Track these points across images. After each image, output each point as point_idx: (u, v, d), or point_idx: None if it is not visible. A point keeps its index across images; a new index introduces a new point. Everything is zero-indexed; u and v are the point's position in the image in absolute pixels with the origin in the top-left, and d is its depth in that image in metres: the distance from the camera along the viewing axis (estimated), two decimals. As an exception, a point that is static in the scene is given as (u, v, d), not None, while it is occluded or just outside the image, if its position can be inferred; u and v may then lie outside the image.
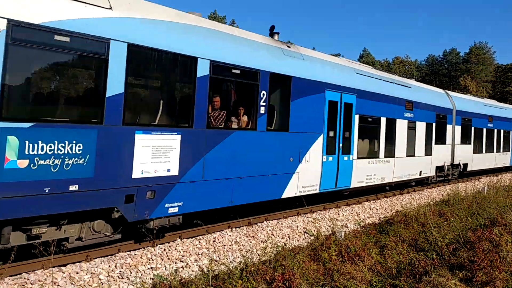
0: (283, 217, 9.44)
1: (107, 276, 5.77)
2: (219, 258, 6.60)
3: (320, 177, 10.86)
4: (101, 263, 6.06)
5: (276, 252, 6.76)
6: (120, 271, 5.93)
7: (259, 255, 6.74)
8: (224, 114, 7.84)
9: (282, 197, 10.07)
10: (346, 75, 12.22)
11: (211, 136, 7.42)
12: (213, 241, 7.26)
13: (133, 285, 5.65)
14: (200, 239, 7.22)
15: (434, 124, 15.41)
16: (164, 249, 6.64)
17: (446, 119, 16.25)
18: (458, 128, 17.17)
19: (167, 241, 7.04)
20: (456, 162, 16.96)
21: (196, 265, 6.30)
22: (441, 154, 15.94)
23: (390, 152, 13.72)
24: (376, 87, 13.29)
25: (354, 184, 12.22)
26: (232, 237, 7.52)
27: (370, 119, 12.99)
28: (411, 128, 14.45)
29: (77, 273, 5.70)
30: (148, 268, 6.08)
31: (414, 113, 14.60)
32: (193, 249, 6.82)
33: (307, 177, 10.50)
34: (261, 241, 7.66)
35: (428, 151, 15.26)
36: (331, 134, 11.36)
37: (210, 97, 7.47)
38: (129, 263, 6.11)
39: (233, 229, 7.97)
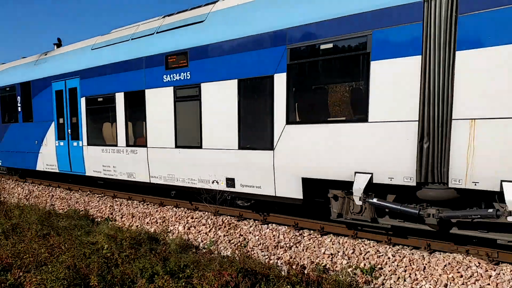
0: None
1: None
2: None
3: (56, 159, 14.35)
4: None
5: None
6: None
7: None
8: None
9: (36, 168, 15.31)
10: (70, 60, 13.19)
11: (4, 126, 15.59)
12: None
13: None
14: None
15: (281, 77, 8.03)
16: None
17: None
18: None
19: None
20: None
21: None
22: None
23: (134, 138, 11.59)
24: (111, 55, 11.93)
25: (90, 172, 13.00)
26: None
27: (98, 100, 12.32)
28: (187, 99, 9.84)
29: None
30: None
31: (192, 70, 9.61)
32: None
33: (47, 157, 14.66)
34: None
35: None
36: (61, 121, 13.28)
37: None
38: None
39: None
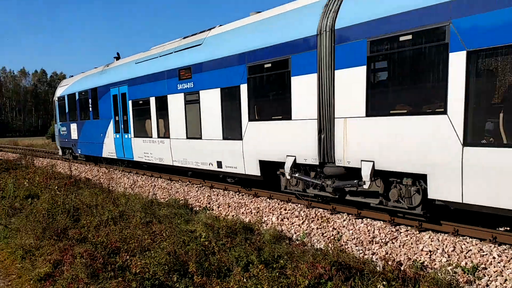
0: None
1: None
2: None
3: (114, 147, 18.67)
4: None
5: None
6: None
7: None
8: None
9: (102, 156, 19.87)
10: (122, 71, 17.05)
11: (81, 122, 18.96)
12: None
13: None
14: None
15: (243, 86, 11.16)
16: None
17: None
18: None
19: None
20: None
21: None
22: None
23: (162, 131, 15.17)
24: (146, 68, 15.47)
25: (136, 158, 17.18)
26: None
27: (139, 102, 15.79)
28: (192, 102, 13.24)
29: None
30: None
31: (195, 81, 13.06)
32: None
33: (109, 146, 19.13)
34: None
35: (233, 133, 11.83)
36: (116, 118, 17.00)
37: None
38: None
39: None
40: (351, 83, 8.36)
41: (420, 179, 7.83)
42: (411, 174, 7.85)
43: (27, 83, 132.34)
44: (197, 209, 11.81)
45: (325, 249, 7.30)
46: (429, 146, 7.25)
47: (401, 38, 7.44)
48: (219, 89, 12.05)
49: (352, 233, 8.53)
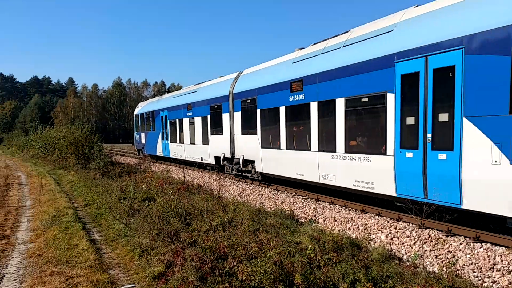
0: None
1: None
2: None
3: (161, 149, 28.18)
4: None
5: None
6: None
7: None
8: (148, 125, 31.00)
9: (156, 154, 30.37)
10: (165, 102, 27.24)
11: (146, 132, 30.51)
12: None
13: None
14: None
15: (208, 116, 21.16)
16: None
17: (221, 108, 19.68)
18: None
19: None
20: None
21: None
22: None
23: (181, 139, 25.01)
24: (175, 102, 25.64)
25: (171, 155, 26.84)
26: None
27: (172, 121, 25.93)
28: (192, 123, 23.16)
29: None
30: None
31: (193, 111, 23.19)
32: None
33: (159, 148, 28.83)
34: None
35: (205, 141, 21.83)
36: (163, 131, 27.39)
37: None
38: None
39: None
40: (238, 118, 17.95)
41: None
42: (253, 160, 17.24)
43: (148, 93, 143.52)
44: (303, 220, 11.77)
45: (438, 272, 6.99)
46: (253, 148, 16.62)
47: (247, 100, 16.98)
48: (201, 116, 22.20)
49: (470, 257, 7.95)
